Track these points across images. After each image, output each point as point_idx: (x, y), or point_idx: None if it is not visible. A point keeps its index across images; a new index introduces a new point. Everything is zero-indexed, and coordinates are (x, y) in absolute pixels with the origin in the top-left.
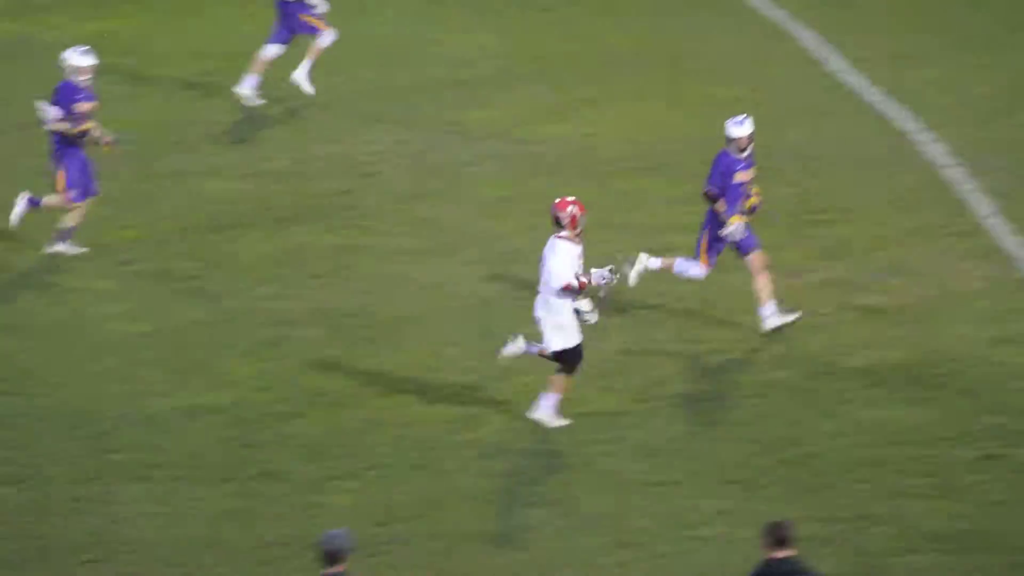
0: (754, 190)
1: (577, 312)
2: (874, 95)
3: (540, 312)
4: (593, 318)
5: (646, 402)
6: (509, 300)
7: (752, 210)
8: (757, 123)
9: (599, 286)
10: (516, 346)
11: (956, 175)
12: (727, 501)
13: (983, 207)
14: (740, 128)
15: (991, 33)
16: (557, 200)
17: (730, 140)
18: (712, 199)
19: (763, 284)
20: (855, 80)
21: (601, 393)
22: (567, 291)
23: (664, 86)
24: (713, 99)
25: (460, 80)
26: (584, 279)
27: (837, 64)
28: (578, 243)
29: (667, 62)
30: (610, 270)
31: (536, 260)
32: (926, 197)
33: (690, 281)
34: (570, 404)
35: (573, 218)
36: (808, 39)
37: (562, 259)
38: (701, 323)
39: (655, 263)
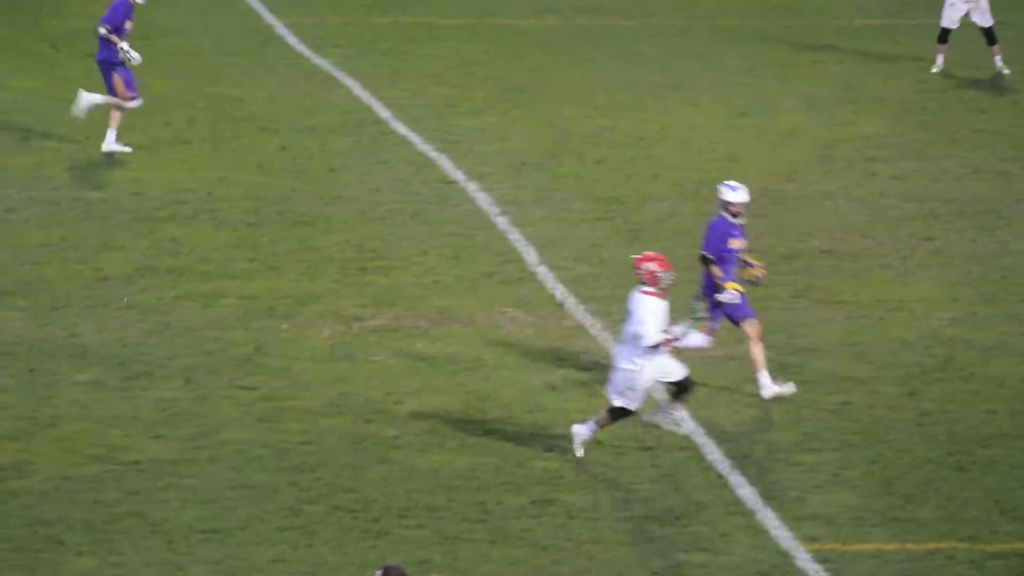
0: (759, 264)
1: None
2: (422, 144)
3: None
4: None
5: (200, 450)
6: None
7: (755, 281)
8: (312, 170)
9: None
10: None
11: (503, 223)
12: (282, 548)
13: (530, 256)
14: (735, 194)
15: (531, 85)
16: (637, 256)
17: (724, 205)
18: (707, 263)
19: (758, 352)
20: (404, 129)
21: (152, 441)
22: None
23: (208, 130)
24: (257, 146)
25: (5, 125)
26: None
27: (385, 112)
28: (663, 298)
29: (211, 108)
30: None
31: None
32: (475, 245)
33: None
34: (121, 452)
35: (652, 275)
36: (355, 87)
37: (647, 314)
38: (253, 371)
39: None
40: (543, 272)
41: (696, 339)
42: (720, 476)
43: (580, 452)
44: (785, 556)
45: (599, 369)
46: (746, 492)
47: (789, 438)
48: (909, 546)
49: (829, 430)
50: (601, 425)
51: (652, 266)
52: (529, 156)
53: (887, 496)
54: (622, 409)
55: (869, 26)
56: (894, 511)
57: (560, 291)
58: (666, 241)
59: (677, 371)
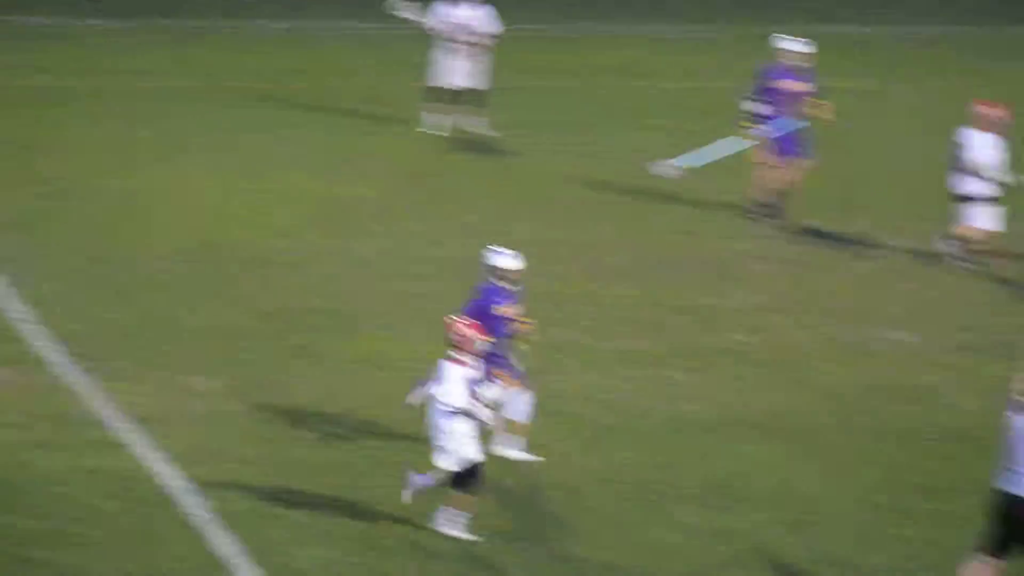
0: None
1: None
2: None
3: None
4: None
5: None
6: None
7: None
8: None
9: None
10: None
11: None
12: None
13: (14, 311)
14: (509, 260)
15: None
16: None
17: (496, 272)
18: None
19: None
20: None
21: None
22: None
23: None
24: None
25: None
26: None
27: None
28: (471, 366)
29: None
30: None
31: None
32: None
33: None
34: None
35: (464, 338)
36: None
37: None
38: None
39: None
40: (29, 329)
41: (519, 404)
42: (199, 530)
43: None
44: None
45: (85, 426)
46: (228, 548)
47: (274, 492)
48: None
49: (313, 485)
50: (442, 483)
51: (466, 332)
52: (18, 213)
53: (369, 551)
54: (462, 475)
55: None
56: (373, 564)
57: (44, 347)
58: (157, 299)
59: (473, 452)
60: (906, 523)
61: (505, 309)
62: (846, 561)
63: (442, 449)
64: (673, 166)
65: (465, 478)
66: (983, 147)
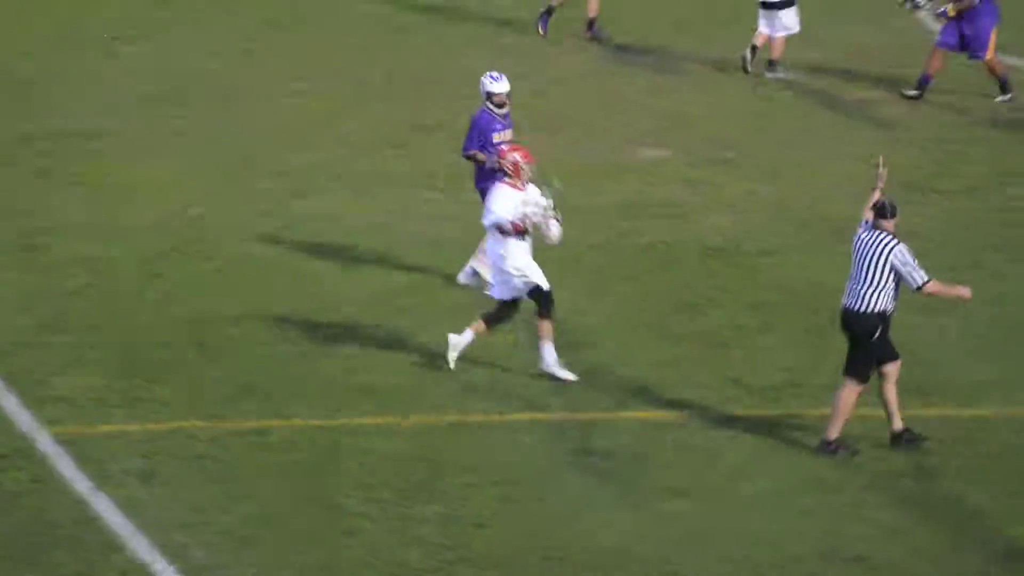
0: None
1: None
2: None
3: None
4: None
5: None
6: None
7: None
8: None
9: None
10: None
11: None
12: None
13: None
14: (497, 84)
15: None
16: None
17: (488, 96)
18: (471, 158)
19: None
20: None
21: None
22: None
23: None
24: None
25: None
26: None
27: None
28: (521, 189)
29: None
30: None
31: None
32: None
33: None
34: None
35: (515, 165)
36: None
37: (500, 200)
38: None
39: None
40: None
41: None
42: None
43: (453, 364)
44: (26, 439)
45: None
46: None
47: (28, 322)
48: (150, 426)
49: (70, 312)
50: (479, 331)
51: (515, 156)
52: None
53: (129, 377)
54: (501, 306)
55: None
56: (136, 391)
57: None
58: None
59: (538, 278)
60: (665, 341)
61: (497, 136)
62: (607, 371)
63: (507, 282)
64: None
65: (544, 302)
66: None
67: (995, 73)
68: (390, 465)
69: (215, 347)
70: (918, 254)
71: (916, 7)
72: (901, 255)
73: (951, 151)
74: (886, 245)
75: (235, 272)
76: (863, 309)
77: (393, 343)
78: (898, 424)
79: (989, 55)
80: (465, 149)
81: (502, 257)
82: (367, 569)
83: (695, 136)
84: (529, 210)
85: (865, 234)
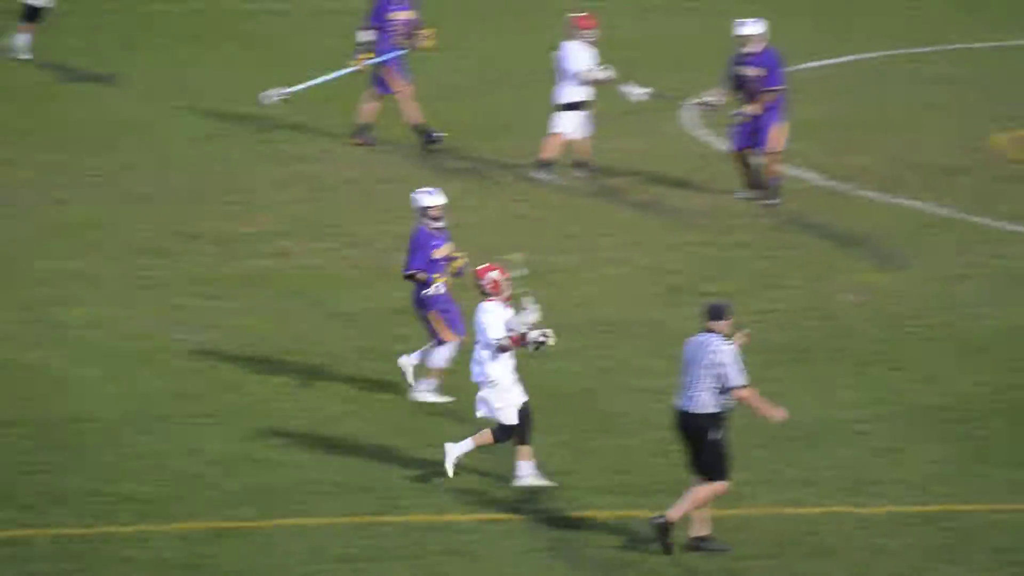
0: (461, 255)
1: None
2: None
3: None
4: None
5: None
6: None
7: (458, 273)
8: None
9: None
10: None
11: None
12: None
13: None
14: (432, 198)
15: None
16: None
17: (423, 211)
18: (413, 279)
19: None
20: None
21: None
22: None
23: None
24: None
25: None
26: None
27: None
28: (505, 305)
29: None
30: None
31: None
32: None
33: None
34: None
35: (495, 283)
36: None
37: (492, 319)
38: None
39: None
40: None
41: (444, 351)
42: None
43: (450, 471)
44: None
45: None
46: None
47: None
48: None
49: None
50: (479, 444)
51: (494, 275)
52: None
53: None
54: (504, 428)
55: None
56: None
57: None
58: None
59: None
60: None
61: (438, 252)
62: (373, 476)
63: (491, 407)
64: (280, 94)
65: (522, 426)
66: (577, 55)
67: (770, 173)
68: (152, 572)
69: None
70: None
71: (708, 107)
72: (728, 355)
73: (717, 257)
74: (716, 345)
75: None
76: (695, 410)
77: (156, 452)
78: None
79: (769, 150)
80: (408, 267)
81: (491, 381)
82: None
83: (463, 243)
84: (526, 329)
85: (697, 336)
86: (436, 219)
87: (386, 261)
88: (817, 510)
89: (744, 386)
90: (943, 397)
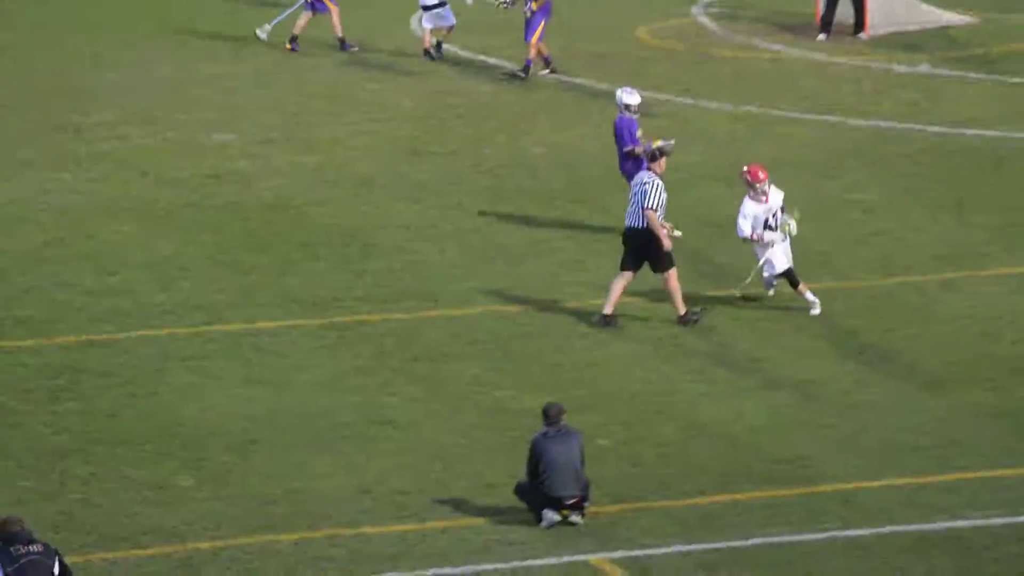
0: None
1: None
2: None
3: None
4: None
5: None
6: None
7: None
8: None
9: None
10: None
11: None
12: None
13: None
14: (632, 96)
15: None
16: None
17: (626, 107)
18: (632, 155)
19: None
20: None
21: None
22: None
23: None
24: None
25: None
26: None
27: None
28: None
29: None
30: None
31: None
32: None
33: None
34: None
35: (748, 181)
36: None
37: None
38: None
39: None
40: None
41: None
42: None
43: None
44: None
45: None
46: None
47: None
48: None
49: None
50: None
51: (751, 173)
52: None
53: None
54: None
55: None
56: None
57: None
58: None
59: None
60: (239, 273)
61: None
62: (199, 296)
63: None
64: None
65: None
66: None
67: (540, 55)
68: (42, 374)
69: None
70: (423, 200)
71: (507, 6)
72: (651, 186)
73: (435, 123)
74: (647, 180)
75: None
76: (638, 225)
77: (38, 287)
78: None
79: (533, 40)
80: (628, 146)
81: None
82: (28, 453)
83: (249, 124)
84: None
85: (637, 174)
86: (635, 112)
87: (195, 140)
88: None
89: (654, 209)
90: None
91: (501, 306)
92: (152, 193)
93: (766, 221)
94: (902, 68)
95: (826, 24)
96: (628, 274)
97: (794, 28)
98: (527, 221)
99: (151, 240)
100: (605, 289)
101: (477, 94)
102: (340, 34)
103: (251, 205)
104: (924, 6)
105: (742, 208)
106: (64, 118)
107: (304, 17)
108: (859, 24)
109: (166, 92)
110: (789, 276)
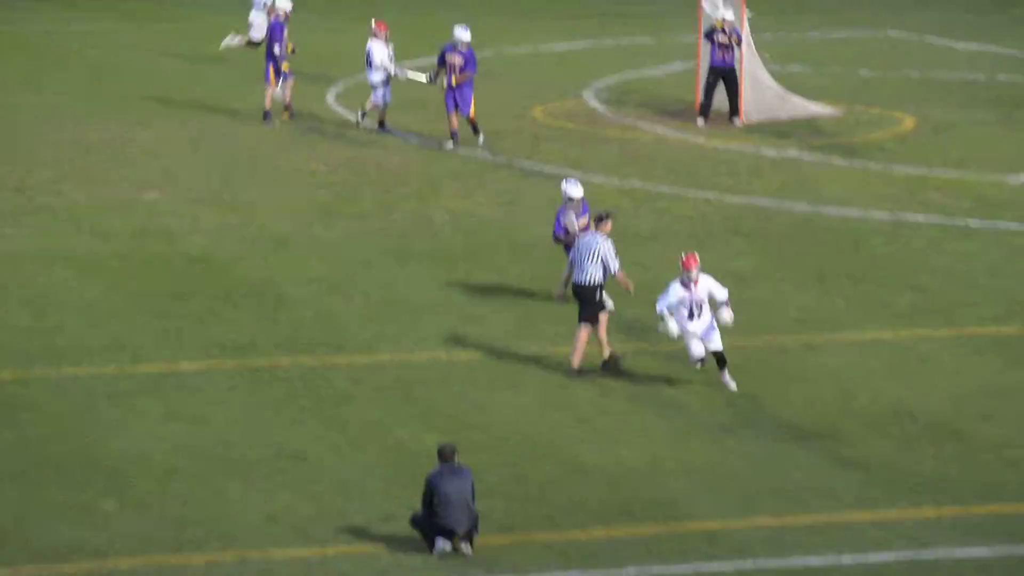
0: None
1: None
2: None
3: None
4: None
5: None
6: None
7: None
8: None
9: None
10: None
11: None
12: None
13: None
14: (575, 188)
15: None
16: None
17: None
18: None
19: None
20: None
21: None
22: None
23: None
24: None
25: None
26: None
27: None
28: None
29: None
30: None
31: None
32: None
33: None
34: None
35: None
36: None
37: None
38: None
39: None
40: None
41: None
42: None
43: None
44: None
45: None
46: None
47: None
48: None
49: None
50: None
51: (684, 261)
52: None
53: None
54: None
55: None
56: None
57: None
58: None
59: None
60: (164, 319)
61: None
62: (126, 342)
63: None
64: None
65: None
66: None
67: (473, 123)
68: None
69: None
70: (333, 256)
71: (431, 82)
72: (610, 248)
73: (350, 187)
74: (601, 242)
75: None
76: (589, 283)
77: None
78: (606, 352)
79: (471, 112)
80: (558, 234)
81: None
82: None
83: (181, 184)
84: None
85: (586, 237)
86: (575, 203)
87: (127, 196)
88: None
89: (619, 269)
90: None
91: (403, 355)
92: (86, 245)
93: (691, 308)
94: (772, 152)
95: (704, 110)
96: (588, 326)
97: (675, 113)
98: (430, 279)
99: (83, 286)
100: (515, 341)
101: (387, 163)
102: (270, 106)
103: (176, 258)
104: (794, 98)
105: (668, 288)
106: (7, 175)
107: (287, 86)
108: (734, 111)
109: (102, 153)
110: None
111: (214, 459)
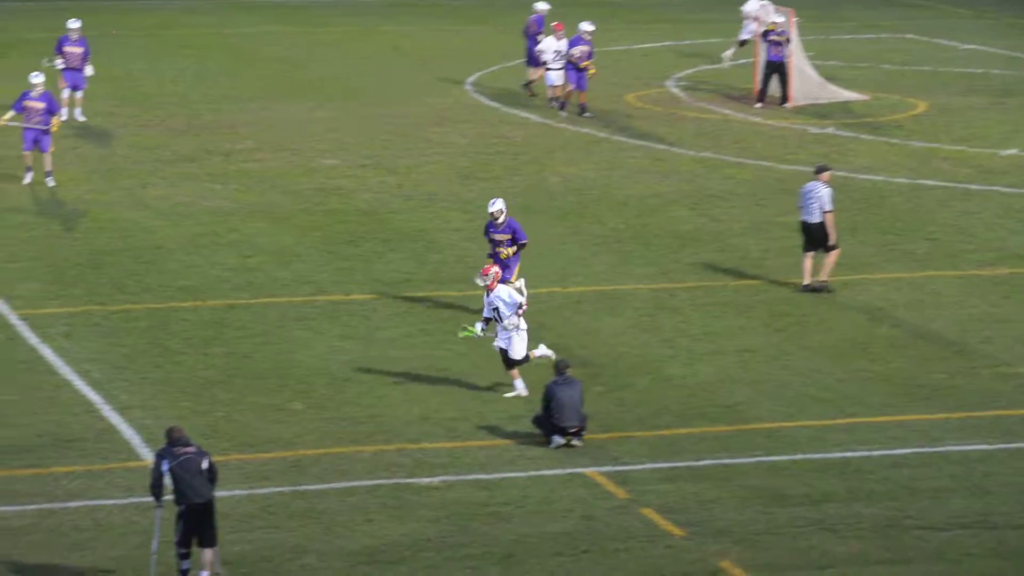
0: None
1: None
2: None
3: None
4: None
5: None
6: None
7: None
8: None
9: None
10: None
11: None
12: None
13: None
14: (494, 205)
15: None
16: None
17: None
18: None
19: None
20: None
21: None
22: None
23: None
24: None
25: None
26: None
27: None
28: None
29: None
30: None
31: None
32: None
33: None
34: None
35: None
36: None
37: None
38: None
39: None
40: None
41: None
42: None
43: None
44: None
45: None
46: None
47: None
48: None
49: None
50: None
51: (483, 269)
52: None
53: None
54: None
55: None
56: None
57: None
58: None
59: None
60: (344, 259)
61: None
62: (316, 282)
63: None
64: None
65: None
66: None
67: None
68: (196, 327)
69: None
70: (471, 210)
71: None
72: (827, 194)
73: (483, 155)
74: (821, 188)
75: None
76: (811, 221)
77: None
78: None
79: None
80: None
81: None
82: (187, 382)
83: (352, 152)
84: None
85: (809, 184)
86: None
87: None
88: None
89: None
90: None
91: (527, 289)
92: (278, 200)
93: (497, 310)
94: (815, 130)
95: (761, 96)
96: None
97: (738, 98)
98: (547, 228)
99: (276, 233)
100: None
101: (512, 137)
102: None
103: (349, 211)
104: (831, 86)
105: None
106: (217, 145)
107: (537, 72)
108: (784, 97)
109: (291, 129)
110: (504, 358)
111: (379, 371)
